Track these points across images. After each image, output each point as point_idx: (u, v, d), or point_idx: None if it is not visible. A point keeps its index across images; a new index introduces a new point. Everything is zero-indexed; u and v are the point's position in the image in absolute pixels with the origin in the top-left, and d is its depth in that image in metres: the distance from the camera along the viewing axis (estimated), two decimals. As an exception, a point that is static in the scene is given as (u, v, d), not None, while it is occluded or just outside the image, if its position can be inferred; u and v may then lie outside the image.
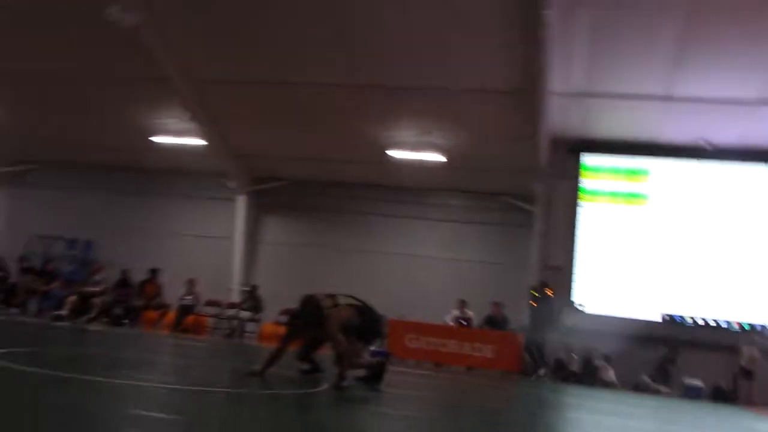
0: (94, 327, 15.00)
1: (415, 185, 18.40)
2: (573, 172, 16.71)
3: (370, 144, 16.82)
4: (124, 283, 17.21)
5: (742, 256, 15.74)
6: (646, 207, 16.39)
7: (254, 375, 7.69)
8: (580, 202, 16.62)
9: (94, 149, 19.02)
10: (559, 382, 14.75)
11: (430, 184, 18.30)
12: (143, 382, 6.78)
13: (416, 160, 16.99)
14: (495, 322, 15.67)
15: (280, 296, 16.19)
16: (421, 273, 17.82)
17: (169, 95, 16.12)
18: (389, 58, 14.45)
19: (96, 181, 20.15)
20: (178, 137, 17.68)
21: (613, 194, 16.60)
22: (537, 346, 14.43)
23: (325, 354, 8.67)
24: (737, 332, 15.37)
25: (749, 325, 15.45)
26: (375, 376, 7.85)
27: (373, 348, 13.17)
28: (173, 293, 17.05)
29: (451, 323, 15.90)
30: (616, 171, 16.71)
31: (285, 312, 15.36)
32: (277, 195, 19.31)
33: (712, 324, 15.62)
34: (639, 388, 14.83)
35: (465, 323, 15.80)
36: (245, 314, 16.88)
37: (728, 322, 15.57)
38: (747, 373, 14.47)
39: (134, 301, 16.84)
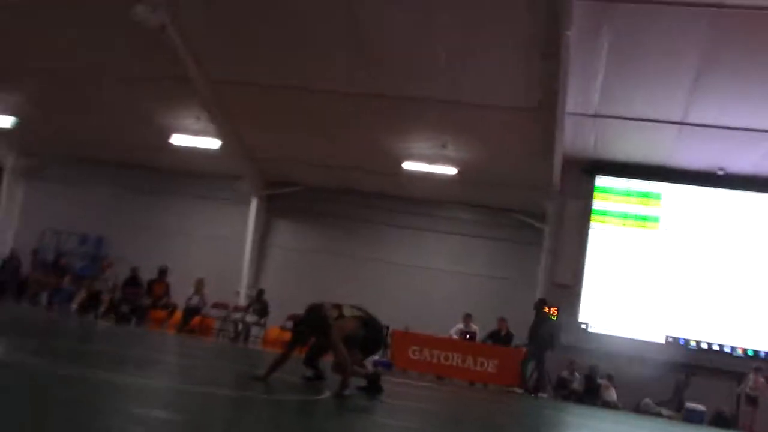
0: (102, 323, 15.11)
1: (428, 197, 18.46)
2: (585, 192, 16.76)
3: (385, 154, 16.90)
4: (133, 281, 17.31)
5: (750, 284, 15.71)
6: (657, 231, 16.38)
7: (258, 379, 7.74)
8: (590, 222, 16.64)
9: (111, 146, 19.21)
10: (560, 400, 14.73)
11: (443, 196, 18.36)
12: (147, 380, 6.86)
13: (430, 173, 17.05)
14: (499, 338, 15.67)
15: (287, 301, 16.15)
16: (428, 285, 17.86)
17: (188, 95, 16.26)
18: (410, 70, 14.54)
19: (111, 177, 20.32)
20: (195, 137, 17.79)
21: (624, 216, 16.61)
22: (538, 363, 14.37)
23: (329, 361, 8.73)
24: (742, 358, 15.32)
25: (754, 351, 15.39)
26: (374, 386, 7.90)
27: (375, 358, 13.28)
28: (181, 293, 17.16)
29: (456, 336, 15.91)
30: (628, 193, 16.73)
31: (291, 317, 15.39)
32: (290, 200, 19.41)
33: (717, 349, 15.58)
34: (641, 409, 14.80)
35: (469, 337, 15.80)
36: (251, 318, 16.94)
37: (733, 348, 15.53)
38: (752, 400, 14.40)
39: (142, 299, 16.93)
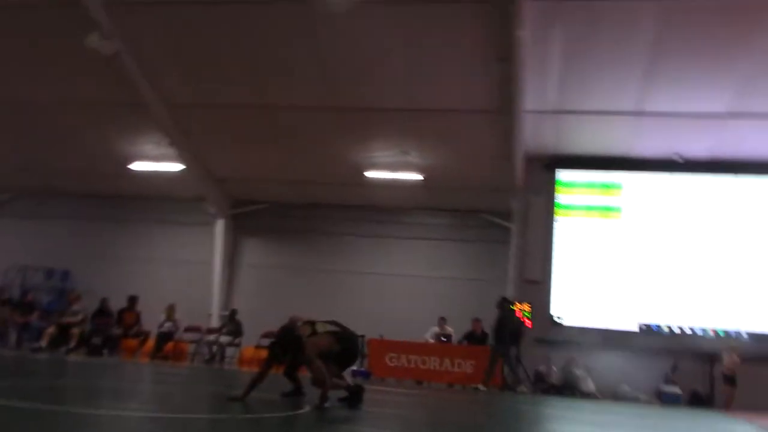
0: (73, 357, 14.87)
1: (394, 205, 18.53)
2: (548, 188, 16.97)
3: (349, 165, 16.94)
4: (102, 312, 17.07)
5: (714, 265, 16.03)
6: (620, 220, 16.64)
7: (236, 399, 7.70)
8: (555, 217, 16.85)
9: (72, 177, 18.98)
10: (539, 394, 14.85)
11: (409, 203, 18.44)
12: (123, 412, 6.78)
13: (394, 180, 17.14)
14: (475, 338, 15.77)
15: (261, 320, 16.21)
16: (401, 292, 17.90)
17: (147, 121, 16.17)
18: (366, 80, 14.62)
19: (73, 209, 20.06)
20: (157, 162, 17.69)
21: (588, 208, 16.84)
22: (505, 359, 14.47)
23: (307, 374, 8.72)
24: (713, 339, 15.61)
25: (724, 331, 15.69)
26: (354, 397, 7.92)
27: (354, 368, 13.27)
28: (152, 320, 16.96)
29: (432, 340, 15.97)
30: (590, 185, 16.96)
31: (267, 335, 15.37)
32: (256, 218, 19.35)
33: (688, 332, 15.86)
34: (618, 396, 15.00)
35: (445, 340, 15.87)
36: (225, 339, 16.81)
37: (704, 330, 15.80)
38: (729, 380, 14.62)
39: (113, 329, 16.70)
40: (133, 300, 17.22)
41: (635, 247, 16.44)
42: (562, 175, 17.06)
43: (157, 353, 16.42)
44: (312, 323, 8.07)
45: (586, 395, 14.85)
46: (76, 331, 15.99)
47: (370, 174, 17.06)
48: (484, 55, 13.65)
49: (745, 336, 15.66)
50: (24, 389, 8.12)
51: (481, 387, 14.06)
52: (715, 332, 15.78)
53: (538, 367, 15.65)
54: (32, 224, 20.06)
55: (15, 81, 15.55)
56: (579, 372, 15.31)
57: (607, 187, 16.87)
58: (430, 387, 14.81)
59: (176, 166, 17.63)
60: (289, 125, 16.09)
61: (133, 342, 16.81)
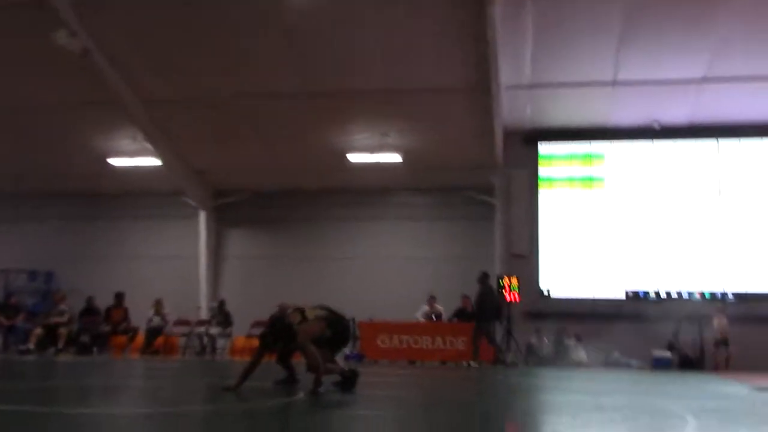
0: (62, 358, 14.76)
1: (376, 187, 18.48)
2: (530, 162, 17.01)
3: (328, 150, 16.86)
4: (89, 310, 16.97)
5: (698, 229, 16.17)
6: (604, 189, 16.72)
7: (229, 390, 7.69)
8: (538, 190, 16.89)
9: (49, 177, 18.74)
10: (531, 366, 14.95)
11: (391, 184, 18.40)
12: (115, 409, 6.73)
13: (375, 163, 17.09)
14: (465, 315, 15.80)
15: (250, 309, 16.19)
16: (389, 273, 17.88)
17: (121, 117, 15.99)
18: (340, 64, 14.52)
19: (52, 209, 19.83)
20: (134, 158, 17.53)
21: (570, 179, 16.91)
22: (487, 334, 14.52)
23: (300, 360, 8.71)
24: (700, 302, 15.79)
25: (711, 293, 15.87)
26: (349, 381, 7.93)
27: (346, 352, 13.28)
28: (141, 316, 16.89)
29: (422, 319, 16.01)
30: (571, 157, 17.03)
31: (257, 324, 15.35)
32: (239, 208, 19.23)
33: (675, 296, 16.02)
34: (610, 363, 15.14)
35: (435, 318, 15.91)
36: (215, 330, 16.77)
37: (690, 293, 15.97)
38: (722, 342, 14.76)
39: (101, 327, 16.61)
40: (119, 297, 17.11)
41: (619, 216, 16.56)
42: (543, 148, 17.10)
43: (148, 348, 16.36)
44: (301, 310, 8.05)
45: (578, 365, 14.97)
46: (63, 331, 15.88)
47: (350, 157, 16.99)
48: (457, 33, 13.59)
49: (731, 297, 15.84)
50: (15, 392, 8.05)
51: (472, 363, 14.11)
52: (702, 295, 15.95)
53: (529, 340, 15.74)
54: (11, 227, 19.81)
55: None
56: (570, 342, 15.43)
57: (588, 157, 16.93)
58: (423, 366, 14.86)
59: (154, 161, 17.47)
60: (266, 113, 15.97)
61: (122, 339, 16.73)
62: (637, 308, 15.90)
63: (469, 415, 6.97)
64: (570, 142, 17.07)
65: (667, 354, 15.01)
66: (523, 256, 16.59)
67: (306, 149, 17.15)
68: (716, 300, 15.75)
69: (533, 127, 16.86)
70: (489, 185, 17.20)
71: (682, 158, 16.63)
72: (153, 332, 16.65)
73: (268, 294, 15.36)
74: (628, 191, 16.68)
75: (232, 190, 19.16)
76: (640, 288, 16.23)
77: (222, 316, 16.91)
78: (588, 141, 16.96)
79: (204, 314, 18.03)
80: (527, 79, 15.03)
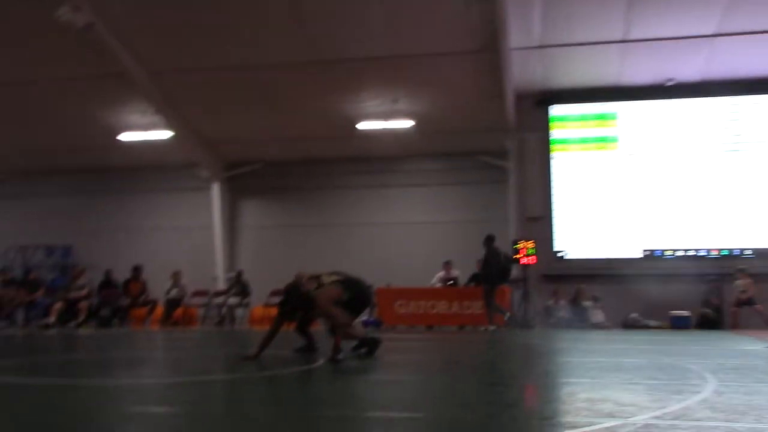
0: (83, 331, 14.96)
1: (389, 154, 18.43)
2: (542, 124, 16.88)
3: (339, 118, 16.79)
4: (108, 284, 17.17)
5: (714, 186, 16.06)
6: (618, 150, 16.59)
7: (249, 359, 7.77)
8: (552, 152, 16.78)
9: (62, 154, 18.81)
10: (549, 328, 15.00)
11: (404, 151, 18.33)
12: (139, 380, 6.83)
13: (387, 130, 17.02)
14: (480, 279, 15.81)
15: (266, 278, 16.32)
16: (404, 239, 17.93)
17: (130, 90, 15.95)
18: (348, 31, 14.37)
19: (67, 185, 19.97)
20: (145, 131, 17.55)
21: (584, 140, 16.78)
22: (487, 296, 14.51)
23: (317, 329, 8.78)
24: (717, 259, 15.74)
25: (729, 251, 15.81)
26: (369, 348, 8.01)
27: (364, 318, 13.38)
28: (159, 288, 17.06)
29: (439, 285, 16.07)
30: (584, 118, 16.87)
31: (274, 293, 15.48)
32: (251, 179, 19.26)
33: (692, 254, 15.97)
34: (628, 324, 15.15)
35: (452, 283, 15.95)
36: (233, 300, 16.92)
37: (708, 251, 15.92)
38: (747, 302, 14.64)
39: (120, 300, 16.80)
40: (137, 270, 17.28)
41: (634, 176, 16.45)
42: (555, 110, 16.94)
43: (167, 320, 16.55)
44: (317, 276, 8.14)
45: (596, 326, 15.00)
46: (83, 304, 16.08)
47: (361, 125, 16.92)
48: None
49: (750, 253, 15.77)
50: (41, 366, 8.18)
51: (489, 327, 14.17)
52: (719, 252, 15.90)
53: (546, 302, 15.77)
54: (27, 203, 19.99)
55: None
56: (587, 304, 15.44)
57: (601, 117, 16.78)
58: (440, 331, 14.95)
59: (165, 134, 17.47)
60: (276, 83, 15.88)
61: (141, 311, 16.93)
62: (653, 267, 15.86)
63: (488, 378, 7.02)
64: (582, 102, 16.90)
65: (685, 313, 14.98)
66: (539, 219, 16.55)
67: (317, 118, 17.08)
68: (734, 257, 15.67)
69: (544, 89, 16.69)
70: (501, 149, 17.12)
71: (697, 115, 16.45)
72: (172, 304, 16.83)
73: (284, 263, 15.46)
74: (642, 150, 16.55)
75: (244, 160, 19.17)
76: (657, 247, 16.19)
77: (240, 286, 17.04)
78: (601, 101, 16.79)
79: (221, 285, 18.18)
80: (537, 39, 14.82)
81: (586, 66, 15.90)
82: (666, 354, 8.79)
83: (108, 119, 17.30)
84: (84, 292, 16.42)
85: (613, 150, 16.64)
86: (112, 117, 17.28)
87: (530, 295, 15.38)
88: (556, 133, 16.86)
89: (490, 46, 14.19)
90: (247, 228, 19.50)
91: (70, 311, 15.96)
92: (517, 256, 15.41)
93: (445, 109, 16.46)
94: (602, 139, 16.73)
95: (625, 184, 16.45)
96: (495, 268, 14.55)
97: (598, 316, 15.25)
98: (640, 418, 4.10)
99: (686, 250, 16.07)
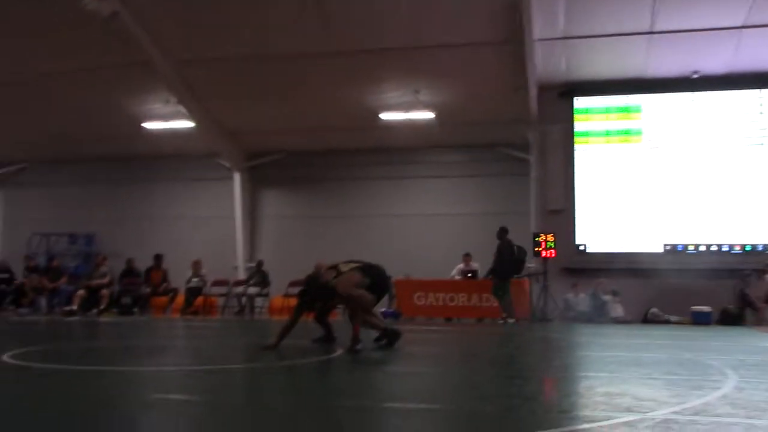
0: (104, 318, 15.13)
1: (409, 145, 18.40)
2: (565, 116, 16.73)
3: (360, 109, 16.78)
4: (129, 272, 17.32)
5: (737, 181, 15.86)
6: (641, 143, 16.43)
7: (268, 348, 7.82)
8: (574, 145, 16.66)
9: (85, 142, 18.97)
10: (568, 322, 14.94)
11: (424, 142, 18.29)
12: (160, 367, 6.90)
13: (408, 120, 16.98)
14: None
15: (286, 268, 16.38)
16: (424, 231, 17.91)
17: (153, 80, 16.04)
18: (371, 22, 14.33)
19: (90, 173, 20.17)
20: (168, 121, 17.66)
21: (607, 133, 16.63)
22: (495, 289, 14.45)
23: (336, 319, 8.81)
24: (740, 254, 15.56)
25: (751, 246, 15.64)
26: (390, 340, 8.06)
27: (383, 309, 13.41)
28: (180, 277, 17.19)
29: (458, 277, 16.05)
30: (608, 110, 16.72)
31: (294, 284, 15.54)
32: (273, 169, 19.32)
33: (714, 249, 15.80)
34: (648, 319, 15.03)
35: (471, 276, 15.92)
36: (253, 290, 17.00)
37: (730, 246, 15.75)
38: None
39: (142, 289, 16.96)
40: (158, 258, 17.44)
41: (657, 169, 16.27)
42: (578, 102, 16.79)
43: (187, 308, 16.67)
44: (335, 266, 8.22)
45: (615, 320, 14.90)
46: (105, 292, 16.25)
47: (382, 116, 16.90)
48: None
49: (774, 250, 15.58)
50: (64, 352, 8.29)
51: (509, 320, 14.13)
52: (742, 248, 15.71)
53: (566, 296, 15.70)
54: (51, 191, 20.23)
55: (18, 53, 15.39)
56: (607, 298, 15.34)
57: (625, 110, 16.61)
58: (459, 323, 14.93)
59: (188, 123, 17.57)
60: (297, 73, 15.88)
61: (162, 299, 17.07)
62: (675, 262, 15.71)
63: (507, 371, 7.01)
64: (606, 95, 16.74)
65: (707, 308, 14.83)
66: (560, 212, 16.45)
67: (338, 109, 17.08)
68: (757, 253, 15.48)
69: (568, 81, 16.54)
70: (523, 141, 17.02)
71: (723, 108, 16.22)
72: (192, 292, 16.95)
73: (304, 253, 15.54)
74: (666, 144, 16.36)
75: (265, 150, 19.23)
76: (679, 241, 16.04)
77: (260, 276, 17.13)
78: (625, 94, 16.61)
79: (241, 274, 18.28)
80: (561, 30, 14.68)
81: (611, 58, 15.74)
82: (686, 349, 8.72)
83: (132, 108, 17.43)
84: (106, 280, 16.59)
85: (637, 143, 16.47)
86: (135, 106, 17.40)
87: (549, 289, 15.30)
88: (579, 125, 16.72)
89: (514, 37, 14.09)
90: (267, 218, 19.58)
91: (92, 299, 16.12)
92: (538, 249, 15.35)
93: (467, 101, 16.39)
94: (626, 132, 16.57)
95: (648, 177, 16.29)
96: (508, 261, 14.52)
97: (617, 310, 15.14)
98: (659, 413, 4.07)
99: (709, 245, 15.89)
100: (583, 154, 16.66)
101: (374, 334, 8.18)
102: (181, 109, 17.00)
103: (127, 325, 13.46)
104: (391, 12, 14.02)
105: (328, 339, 8.47)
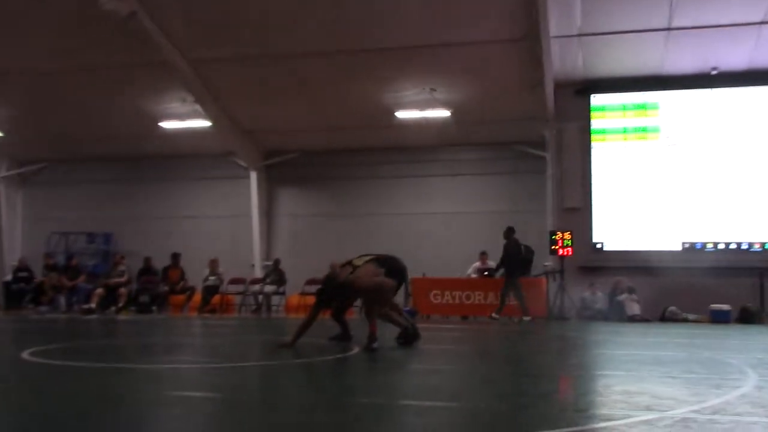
0: (122, 317, 15.25)
1: (426, 144, 18.35)
2: (582, 114, 16.61)
3: (376, 107, 16.76)
4: (147, 270, 17.45)
5: (757, 178, 15.69)
6: (659, 140, 16.31)
7: (285, 346, 7.85)
8: (591, 142, 16.55)
9: (102, 141, 19.08)
10: (585, 321, 14.86)
11: (440, 140, 18.23)
12: (178, 365, 6.94)
13: (424, 119, 16.94)
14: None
15: (302, 267, 16.41)
16: (440, 230, 17.85)
17: (170, 79, 16.10)
18: (385, 20, 14.31)
19: (107, 172, 20.28)
20: (185, 120, 17.74)
21: (624, 131, 16.50)
22: (506, 287, 14.39)
23: (353, 317, 8.83)
24: (759, 252, 15.41)
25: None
26: (409, 338, 8.08)
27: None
28: (197, 275, 17.28)
29: (474, 275, 16.02)
30: (625, 108, 16.58)
31: (310, 282, 15.58)
32: (289, 168, 19.34)
33: (734, 247, 15.66)
34: (666, 318, 14.92)
35: (487, 274, 15.88)
36: (270, 288, 17.06)
37: (750, 244, 15.59)
38: None
39: (159, 287, 17.07)
40: (176, 257, 17.55)
41: (675, 166, 16.12)
42: (595, 99, 16.68)
43: (205, 307, 16.75)
44: (349, 262, 8.27)
45: (634, 319, 14.80)
46: (123, 290, 16.37)
47: (399, 114, 16.88)
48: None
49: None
50: (83, 350, 8.36)
51: (524, 318, 14.08)
52: (762, 245, 15.55)
53: (582, 294, 15.61)
54: (70, 191, 20.35)
55: (35, 53, 15.52)
56: (624, 296, 15.23)
57: (643, 107, 16.47)
58: (475, 321, 14.91)
59: (204, 123, 17.64)
60: (313, 72, 15.89)
61: (180, 298, 17.18)
62: (693, 260, 15.57)
63: (523, 369, 6.99)
64: (623, 92, 16.61)
65: (725, 307, 14.70)
66: (577, 210, 16.34)
67: (354, 107, 17.08)
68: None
69: (585, 78, 16.42)
70: (540, 139, 16.93)
71: (742, 105, 16.06)
72: (209, 291, 17.03)
73: (320, 251, 15.57)
74: (684, 141, 16.21)
75: (281, 149, 19.25)
76: (697, 239, 15.90)
77: (276, 274, 17.18)
78: (642, 91, 16.48)
79: (258, 272, 18.34)
80: (578, 27, 14.59)
81: (628, 54, 15.62)
82: (705, 348, 8.66)
83: (148, 108, 17.51)
84: (124, 278, 16.72)
85: (655, 140, 16.34)
86: (152, 106, 17.48)
87: (566, 287, 15.24)
88: (596, 123, 16.61)
89: (531, 34, 14.01)
90: (283, 216, 19.61)
91: (110, 297, 16.26)
92: (554, 247, 15.30)
93: (483, 98, 16.32)
94: (643, 129, 16.43)
95: (665, 175, 16.15)
96: (516, 260, 14.49)
97: (633, 308, 15.03)
98: (678, 412, 4.04)
99: (728, 243, 15.74)
100: (600, 151, 16.55)
101: (395, 329, 8.21)
102: (198, 108, 17.06)
103: (145, 323, 13.56)
104: (408, 10, 13.99)
105: (344, 337, 8.49)
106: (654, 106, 16.38)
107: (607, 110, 16.62)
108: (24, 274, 18.22)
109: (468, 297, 15.33)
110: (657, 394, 4.72)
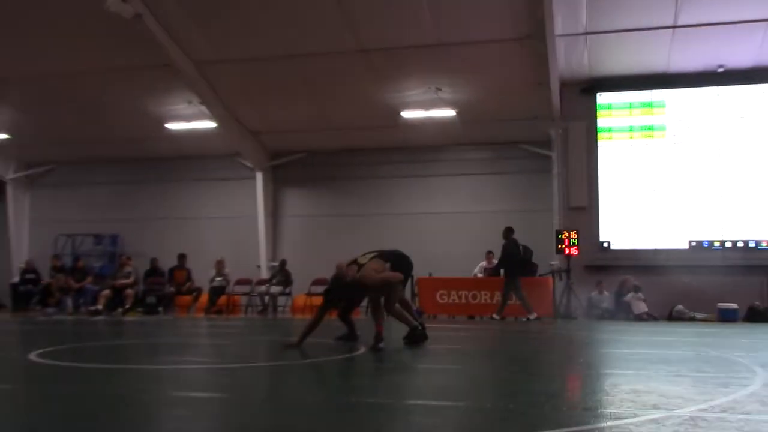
0: (129, 318, 15.28)
1: (431, 143, 18.33)
2: (588, 113, 16.58)
3: (381, 107, 16.76)
4: (153, 271, 17.48)
5: (765, 177, 15.62)
6: (665, 138, 16.25)
7: (292, 346, 7.85)
8: (597, 141, 16.51)
9: (108, 143, 19.14)
10: (592, 320, 14.82)
11: (446, 140, 18.21)
12: (185, 366, 6.94)
13: (429, 118, 16.92)
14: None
15: (308, 267, 16.40)
16: (445, 229, 17.82)
17: (176, 81, 16.13)
18: (390, 20, 14.30)
19: (114, 174, 20.33)
20: (191, 122, 17.77)
21: (631, 129, 16.45)
22: (508, 288, 14.37)
23: (359, 317, 8.82)
24: (766, 251, 15.35)
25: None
26: (416, 338, 8.09)
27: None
28: (203, 276, 17.31)
29: (480, 275, 16.00)
30: (631, 106, 16.54)
31: (316, 282, 15.58)
32: (295, 168, 19.35)
33: (741, 245, 15.59)
34: (674, 316, 14.87)
35: (493, 273, 15.84)
36: (276, 289, 17.07)
37: (757, 242, 15.53)
38: None
39: (166, 288, 17.10)
40: (182, 258, 17.59)
41: (682, 165, 16.07)
42: (601, 98, 16.64)
43: (211, 307, 16.76)
44: (354, 261, 8.29)
45: (641, 318, 14.76)
46: (130, 292, 16.40)
47: (404, 114, 16.87)
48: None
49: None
50: (90, 351, 8.38)
51: (530, 316, 14.05)
52: (769, 244, 15.49)
53: (590, 293, 15.58)
54: (77, 193, 20.41)
55: (42, 55, 15.57)
56: (632, 295, 15.19)
57: (649, 106, 16.42)
58: (482, 321, 14.89)
59: (210, 124, 17.67)
60: (318, 72, 15.90)
61: (186, 299, 17.21)
62: (700, 259, 15.51)
63: (530, 368, 6.97)
64: (629, 90, 16.56)
65: (733, 305, 14.64)
66: (583, 208, 16.30)
67: (359, 107, 17.07)
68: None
69: (590, 76, 16.38)
70: (546, 137, 16.90)
71: (748, 103, 15.99)
72: (216, 292, 17.05)
73: (326, 252, 15.52)
74: (691, 139, 16.16)
75: (287, 150, 19.25)
76: (705, 238, 15.84)
77: (282, 275, 17.19)
78: (648, 89, 16.43)
79: (264, 273, 18.35)
80: (583, 26, 14.56)
81: (634, 52, 15.57)
82: (713, 346, 8.62)
83: (155, 109, 17.54)
84: (130, 279, 16.75)
85: (661, 138, 16.29)
86: (158, 107, 17.52)
87: (573, 286, 15.20)
88: (602, 121, 16.56)
89: (536, 34, 13.98)
90: (289, 217, 19.61)
91: (117, 298, 16.29)
92: (561, 246, 15.28)
93: (488, 98, 16.29)
94: (649, 128, 16.38)
95: (672, 173, 16.10)
96: (515, 261, 14.47)
97: (640, 306, 14.99)
98: (686, 411, 4.02)
99: (735, 242, 15.67)
100: (606, 150, 16.51)
101: (401, 329, 8.21)
102: (204, 109, 17.09)
103: (151, 324, 13.57)
104: (412, 10, 13.98)
105: (351, 337, 8.49)
106: (660, 105, 16.34)
107: (613, 109, 16.58)
108: (31, 275, 18.28)
109: (474, 297, 15.32)
110: (665, 393, 4.70)
